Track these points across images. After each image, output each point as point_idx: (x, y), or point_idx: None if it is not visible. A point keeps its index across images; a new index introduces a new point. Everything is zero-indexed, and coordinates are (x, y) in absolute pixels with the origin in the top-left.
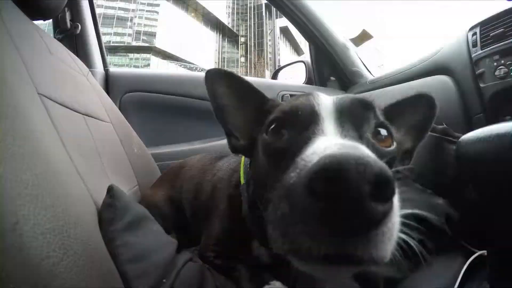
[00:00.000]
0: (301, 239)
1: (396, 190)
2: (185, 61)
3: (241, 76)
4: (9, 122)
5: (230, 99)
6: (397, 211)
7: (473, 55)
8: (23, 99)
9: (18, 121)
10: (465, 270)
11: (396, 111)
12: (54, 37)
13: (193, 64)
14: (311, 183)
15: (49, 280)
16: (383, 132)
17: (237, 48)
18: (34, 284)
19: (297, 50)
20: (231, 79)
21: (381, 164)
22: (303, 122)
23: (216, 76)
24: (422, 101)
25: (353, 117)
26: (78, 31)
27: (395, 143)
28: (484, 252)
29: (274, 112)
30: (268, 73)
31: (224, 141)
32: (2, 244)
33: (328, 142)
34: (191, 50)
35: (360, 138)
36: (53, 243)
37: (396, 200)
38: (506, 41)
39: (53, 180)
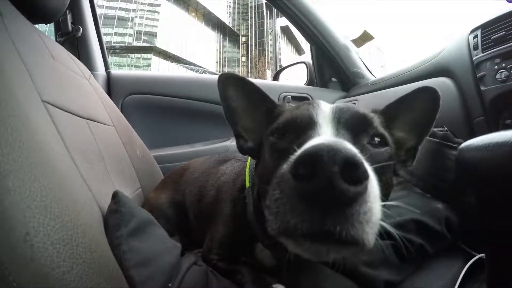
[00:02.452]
0: (288, 216)
1: (370, 175)
2: (186, 61)
3: (251, 81)
4: (16, 134)
5: (240, 102)
6: (375, 197)
7: (474, 58)
8: (29, 108)
9: (24, 132)
10: (464, 272)
11: (399, 109)
12: (56, 40)
13: (194, 64)
14: (294, 169)
15: None
16: (378, 139)
17: (238, 47)
18: None
19: (298, 49)
20: (242, 83)
21: (352, 151)
22: (302, 128)
23: (228, 80)
24: (425, 94)
25: (349, 126)
26: (79, 34)
27: (388, 147)
28: (483, 255)
29: (279, 120)
30: (269, 73)
31: (226, 143)
32: (14, 255)
33: (317, 139)
34: (192, 50)
35: (354, 141)
36: (63, 253)
37: (373, 187)
38: (507, 45)
39: (60, 190)
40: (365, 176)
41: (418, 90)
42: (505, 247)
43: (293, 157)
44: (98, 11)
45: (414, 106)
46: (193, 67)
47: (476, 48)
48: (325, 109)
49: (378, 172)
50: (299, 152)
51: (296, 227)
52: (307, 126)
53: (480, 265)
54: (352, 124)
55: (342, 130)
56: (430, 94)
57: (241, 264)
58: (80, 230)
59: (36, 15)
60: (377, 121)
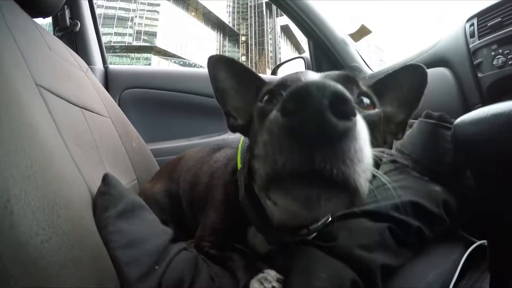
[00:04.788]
0: (277, 156)
1: (357, 112)
2: (186, 60)
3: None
4: (5, 107)
5: (230, 82)
6: (364, 138)
7: (470, 46)
8: (21, 88)
9: (14, 106)
10: (465, 260)
11: (387, 85)
12: (54, 35)
13: (194, 63)
14: (283, 106)
15: (37, 258)
16: (366, 100)
17: (238, 47)
18: (23, 262)
19: (298, 48)
20: (231, 64)
21: (340, 86)
22: None
23: (217, 61)
24: (412, 71)
25: None
26: (77, 29)
27: (377, 109)
28: (485, 242)
29: (268, 85)
30: (269, 72)
31: (223, 136)
32: None
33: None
34: (192, 49)
35: None
36: (43, 222)
37: (362, 126)
38: (504, 30)
39: (47, 163)
40: (354, 113)
41: (405, 67)
42: (507, 230)
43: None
44: (98, 10)
45: (402, 83)
46: (193, 64)
47: (472, 36)
48: (313, 75)
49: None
50: (287, 90)
51: (284, 166)
52: None
53: (481, 252)
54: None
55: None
56: (417, 70)
57: (233, 250)
58: (63, 202)
59: (34, 8)
60: (362, 83)
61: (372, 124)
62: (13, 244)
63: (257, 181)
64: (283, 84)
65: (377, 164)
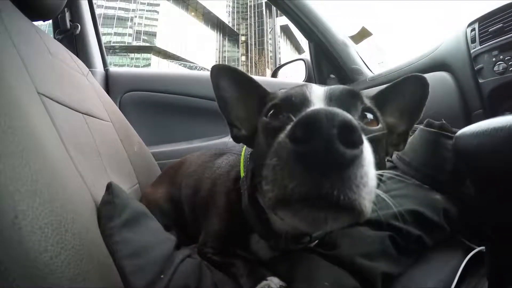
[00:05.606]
0: (286, 181)
1: (364, 139)
2: (186, 60)
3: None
4: (8, 119)
5: (233, 92)
6: (369, 162)
7: (472, 51)
8: (22, 97)
9: (17, 118)
10: (464, 266)
11: (388, 96)
12: (54, 38)
13: (194, 63)
14: (292, 133)
15: (47, 274)
16: (369, 116)
17: (238, 47)
18: (32, 278)
19: (298, 48)
20: (234, 74)
21: (348, 115)
22: (296, 106)
23: (220, 71)
24: (414, 82)
25: (340, 102)
26: (77, 32)
27: (380, 124)
28: (483, 248)
29: (273, 100)
30: (269, 72)
31: (224, 139)
32: (2, 238)
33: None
34: (192, 49)
35: None
36: (51, 237)
37: (367, 152)
38: (505, 37)
39: (51, 176)
40: (361, 140)
41: (407, 78)
42: (506, 239)
43: (291, 124)
44: (98, 11)
45: (404, 93)
46: (192, 64)
47: (473, 41)
48: (317, 90)
49: (371, 147)
50: (297, 118)
51: (293, 191)
52: (301, 104)
53: (480, 259)
54: (342, 100)
55: (334, 107)
56: (419, 81)
57: (236, 257)
58: (70, 216)
59: (34, 12)
60: (366, 97)
61: (375, 141)
62: (22, 260)
63: (265, 201)
64: (288, 99)
65: (379, 181)
